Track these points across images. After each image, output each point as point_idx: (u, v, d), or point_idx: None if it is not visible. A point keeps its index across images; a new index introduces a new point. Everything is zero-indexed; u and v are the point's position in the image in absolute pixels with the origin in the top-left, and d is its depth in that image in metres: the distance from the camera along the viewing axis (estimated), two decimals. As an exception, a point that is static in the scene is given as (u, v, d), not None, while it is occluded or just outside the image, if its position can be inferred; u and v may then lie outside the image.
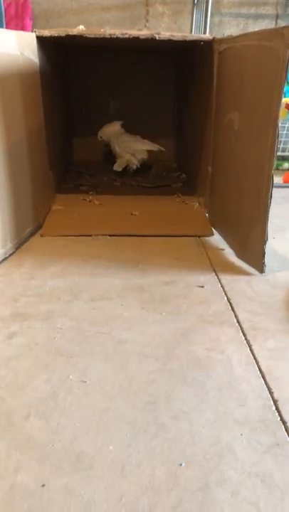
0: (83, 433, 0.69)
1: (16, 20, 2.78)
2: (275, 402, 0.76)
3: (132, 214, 1.62)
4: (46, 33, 1.42)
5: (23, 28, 2.75)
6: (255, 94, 1.17)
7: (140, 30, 1.79)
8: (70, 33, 1.41)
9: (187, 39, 1.46)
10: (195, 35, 2.22)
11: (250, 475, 0.63)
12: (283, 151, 2.61)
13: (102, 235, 1.46)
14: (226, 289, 1.14)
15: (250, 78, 1.21)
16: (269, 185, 1.11)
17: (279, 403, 0.75)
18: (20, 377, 0.81)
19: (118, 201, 1.76)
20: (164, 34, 1.44)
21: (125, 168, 2.13)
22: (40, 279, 1.17)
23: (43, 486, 0.60)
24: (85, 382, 0.80)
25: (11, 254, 1.30)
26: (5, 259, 1.28)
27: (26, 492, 0.59)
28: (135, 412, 0.73)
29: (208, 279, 1.19)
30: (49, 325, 0.97)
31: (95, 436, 0.68)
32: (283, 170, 2.48)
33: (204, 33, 2.54)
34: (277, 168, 2.45)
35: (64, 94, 2.15)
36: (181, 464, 0.64)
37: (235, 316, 1.02)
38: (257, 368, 0.84)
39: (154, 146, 2.08)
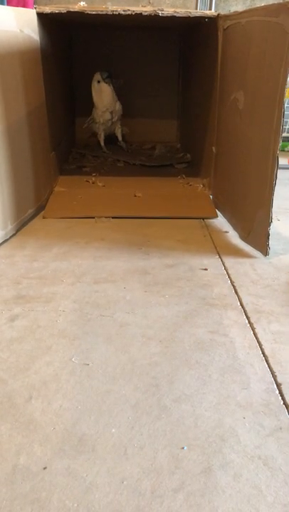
0: (85, 416, 0.69)
1: (17, -3, 2.71)
2: (278, 385, 0.75)
3: (135, 196, 1.60)
4: (47, 9, 1.39)
5: (24, 5, 2.68)
6: (261, 73, 1.14)
7: (144, 6, 1.75)
8: (71, 10, 1.38)
9: (191, 15, 1.42)
10: (199, 11, 2.17)
11: (252, 458, 0.62)
12: (289, 131, 2.57)
13: (106, 217, 1.44)
14: (229, 271, 1.13)
15: (255, 56, 1.18)
16: (274, 166, 1.09)
17: (282, 387, 0.75)
18: (22, 359, 0.81)
19: (121, 183, 1.74)
20: (168, 10, 1.40)
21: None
22: (42, 261, 1.16)
23: (45, 468, 0.60)
24: (88, 364, 0.80)
25: (11, 236, 1.30)
26: (5, 240, 1.27)
27: (28, 474, 0.59)
28: (138, 394, 0.73)
29: (211, 261, 1.18)
30: (51, 307, 0.96)
31: (97, 418, 0.68)
32: (289, 151, 2.44)
33: (210, 9, 2.48)
34: (282, 150, 2.42)
35: (66, 73, 2.11)
36: (183, 447, 0.64)
37: (239, 299, 1.01)
38: (260, 352, 0.84)
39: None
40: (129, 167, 1.98)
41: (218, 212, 1.50)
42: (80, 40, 2.25)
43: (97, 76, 2.04)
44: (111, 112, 2.10)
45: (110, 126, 2.14)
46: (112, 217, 1.44)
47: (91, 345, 0.85)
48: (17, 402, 0.71)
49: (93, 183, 1.73)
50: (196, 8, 2.70)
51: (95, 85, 2.06)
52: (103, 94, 2.06)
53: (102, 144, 2.15)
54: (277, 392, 0.74)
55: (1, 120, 1.20)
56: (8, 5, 2.52)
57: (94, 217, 1.44)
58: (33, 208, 1.44)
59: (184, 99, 2.27)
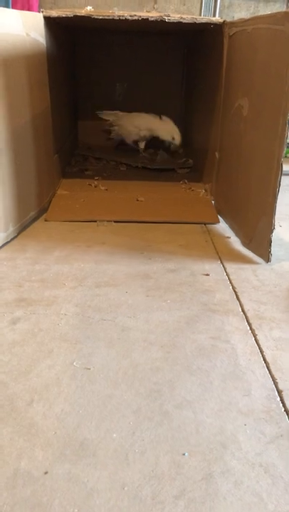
0: (87, 420, 0.69)
1: (22, 0, 2.72)
2: (279, 392, 0.75)
3: (137, 200, 1.60)
4: (54, 13, 1.39)
5: (29, 9, 2.70)
6: (266, 80, 1.15)
7: (149, 12, 1.75)
8: (78, 14, 1.38)
9: (197, 21, 1.43)
10: (205, 17, 2.18)
11: (253, 465, 0.62)
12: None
13: (108, 220, 1.45)
14: (231, 277, 1.13)
15: (260, 63, 1.18)
16: (278, 173, 1.10)
17: (283, 394, 0.75)
18: (23, 362, 0.81)
19: (124, 187, 1.74)
20: (174, 16, 1.40)
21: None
22: (44, 264, 1.16)
23: (46, 473, 0.60)
24: (89, 368, 0.80)
25: (13, 239, 1.30)
26: (7, 243, 1.27)
27: (29, 479, 0.59)
28: (139, 399, 0.73)
29: (213, 267, 1.18)
30: (53, 311, 0.96)
31: (98, 423, 0.68)
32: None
33: (213, 15, 2.49)
34: (286, 156, 2.42)
35: (70, 76, 2.12)
36: (184, 454, 0.64)
37: (241, 305, 1.01)
38: (262, 358, 0.84)
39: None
40: (132, 171, 1.98)
41: (220, 218, 1.50)
42: (83, 44, 2.26)
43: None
44: (149, 129, 2.14)
45: (137, 139, 2.19)
46: (114, 221, 1.45)
47: (92, 349, 0.85)
48: (18, 405, 0.71)
49: (96, 186, 1.73)
50: (200, 15, 2.71)
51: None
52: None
53: (115, 145, 2.21)
54: (278, 399, 0.74)
55: (6, 124, 1.20)
56: (13, 8, 2.53)
57: (96, 221, 1.44)
58: (35, 211, 1.44)
59: (187, 104, 2.27)
